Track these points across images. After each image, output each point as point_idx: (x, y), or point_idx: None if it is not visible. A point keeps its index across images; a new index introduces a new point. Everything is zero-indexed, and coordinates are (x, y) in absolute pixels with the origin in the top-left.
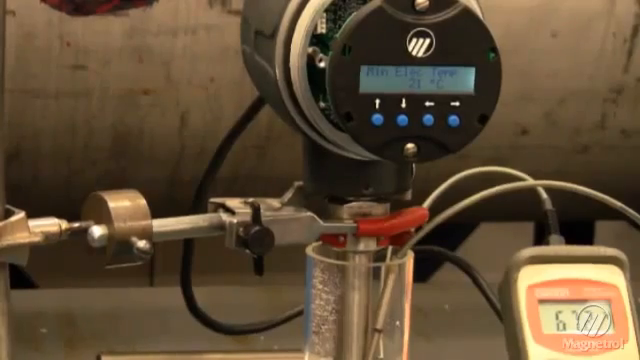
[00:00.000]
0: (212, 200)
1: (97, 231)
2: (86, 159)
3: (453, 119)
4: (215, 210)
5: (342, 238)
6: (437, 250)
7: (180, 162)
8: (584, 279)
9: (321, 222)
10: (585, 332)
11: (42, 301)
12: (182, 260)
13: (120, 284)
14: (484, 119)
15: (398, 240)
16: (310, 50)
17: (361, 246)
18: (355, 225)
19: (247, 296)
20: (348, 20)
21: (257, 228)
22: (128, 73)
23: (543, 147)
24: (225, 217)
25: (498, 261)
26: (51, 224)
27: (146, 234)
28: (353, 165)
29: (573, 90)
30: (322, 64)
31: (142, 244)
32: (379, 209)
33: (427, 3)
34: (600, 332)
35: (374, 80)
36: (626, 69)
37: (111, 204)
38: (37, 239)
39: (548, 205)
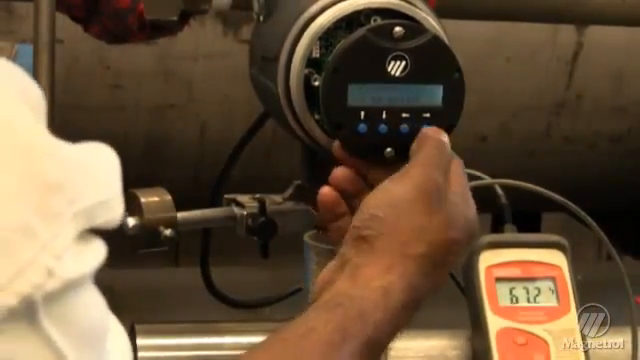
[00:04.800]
0: (226, 196)
1: (131, 222)
2: (122, 162)
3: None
4: (229, 204)
5: None
6: None
7: (200, 165)
8: (533, 261)
9: (316, 214)
10: (534, 304)
11: None
12: (201, 245)
13: (150, 265)
14: (450, 128)
15: None
16: (306, 71)
17: None
18: None
19: (255, 275)
20: (338, 46)
21: (263, 219)
22: (157, 91)
23: (499, 152)
24: (236, 210)
25: None
26: None
27: (171, 224)
28: None
29: (523, 105)
30: (316, 83)
31: (168, 232)
32: None
33: (403, 32)
34: (546, 304)
35: (359, 95)
36: (567, 87)
37: (143, 199)
38: None
39: (503, 199)
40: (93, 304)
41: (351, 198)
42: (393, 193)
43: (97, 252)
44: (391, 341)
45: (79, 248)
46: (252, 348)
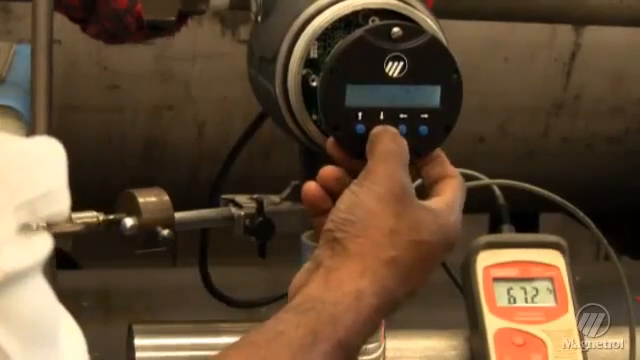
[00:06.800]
0: (224, 196)
1: (129, 222)
2: (120, 163)
3: (423, 129)
4: (226, 205)
5: None
6: None
7: (198, 165)
8: (531, 261)
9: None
10: (532, 305)
11: (83, 280)
12: (199, 245)
13: (148, 265)
14: (449, 129)
15: None
16: (304, 72)
17: None
18: None
19: (252, 275)
20: (336, 47)
21: (260, 219)
22: (155, 92)
23: (497, 152)
24: (234, 210)
25: (459, 246)
26: (91, 216)
27: (169, 224)
28: None
29: (522, 106)
30: (314, 83)
31: (166, 233)
32: None
33: (401, 33)
34: (544, 305)
35: (357, 96)
36: (565, 88)
37: (140, 199)
38: (79, 228)
39: (501, 200)
40: (40, 298)
41: (337, 195)
42: (362, 197)
43: (42, 245)
44: (365, 342)
45: (22, 241)
46: (223, 350)
